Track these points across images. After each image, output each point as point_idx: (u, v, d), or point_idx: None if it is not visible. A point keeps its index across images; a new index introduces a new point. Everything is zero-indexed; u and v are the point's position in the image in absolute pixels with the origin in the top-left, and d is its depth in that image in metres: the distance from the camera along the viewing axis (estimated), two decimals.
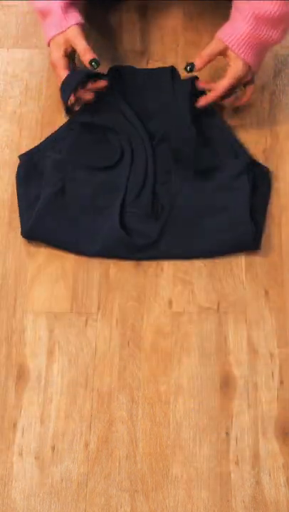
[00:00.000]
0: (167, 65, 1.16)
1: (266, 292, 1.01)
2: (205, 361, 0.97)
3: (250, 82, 1.07)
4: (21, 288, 1.01)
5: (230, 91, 1.07)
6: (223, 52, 1.03)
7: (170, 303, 1.00)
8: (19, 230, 1.04)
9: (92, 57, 1.03)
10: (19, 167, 1.08)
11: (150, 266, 1.03)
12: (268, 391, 0.95)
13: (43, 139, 1.10)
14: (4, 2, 1.25)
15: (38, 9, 1.06)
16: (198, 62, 1.04)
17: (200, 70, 1.05)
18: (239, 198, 1.02)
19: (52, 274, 1.02)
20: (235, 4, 1.03)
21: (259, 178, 1.07)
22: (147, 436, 0.93)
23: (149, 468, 0.91)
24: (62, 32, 1.04)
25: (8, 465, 0.92)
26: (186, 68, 1.05)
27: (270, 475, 0.91)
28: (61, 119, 1.12)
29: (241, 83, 1.06)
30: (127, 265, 1.03)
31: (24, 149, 1.11)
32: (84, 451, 0.92)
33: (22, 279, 1.02)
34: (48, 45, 1.06)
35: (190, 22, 1.22)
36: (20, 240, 1.04)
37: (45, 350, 0.98)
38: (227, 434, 0.93)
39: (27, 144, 1.11)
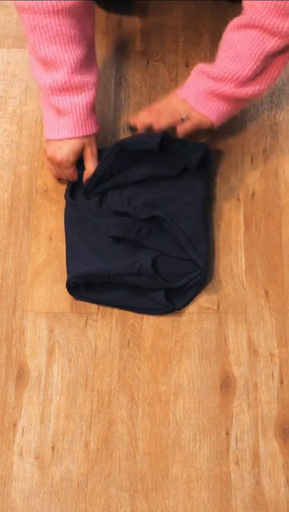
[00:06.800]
0: (167, 65, 1.16)
1: (266, 292, 1.01)
2: (205, 361, 0.97)
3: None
4: (21, 288, 1.01)
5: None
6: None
7: None
8: (19, 229, 1.05)
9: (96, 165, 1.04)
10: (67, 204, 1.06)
11: None
12: (268, 391, 0.95)
13: (43, 138, 1.10)
14: (4, 2, 1.25)
15: (57, 107, 0.99)
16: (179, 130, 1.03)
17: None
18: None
19: (52, 274, 1.02)
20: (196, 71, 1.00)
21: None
22: (147, 436, 0.93)
23: (149, 468, 0.91)
24: (84, 136, 1.00)
25: (8, 465, 0.92)
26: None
27: (270, 475, 0.91)
28: None
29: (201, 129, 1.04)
30: None
31: (24, 149, 1.11)
32: (84, 451, 0.92)
33: (22, 279, 1.02)
34: (51, 140, 1.01)
35: (190, 22, 1.22)
36: (20, 240, 1.04)
37: (45, 350, 0.98)
38: (227, 434, 0.93)
39: (27, 144, 1.11)
